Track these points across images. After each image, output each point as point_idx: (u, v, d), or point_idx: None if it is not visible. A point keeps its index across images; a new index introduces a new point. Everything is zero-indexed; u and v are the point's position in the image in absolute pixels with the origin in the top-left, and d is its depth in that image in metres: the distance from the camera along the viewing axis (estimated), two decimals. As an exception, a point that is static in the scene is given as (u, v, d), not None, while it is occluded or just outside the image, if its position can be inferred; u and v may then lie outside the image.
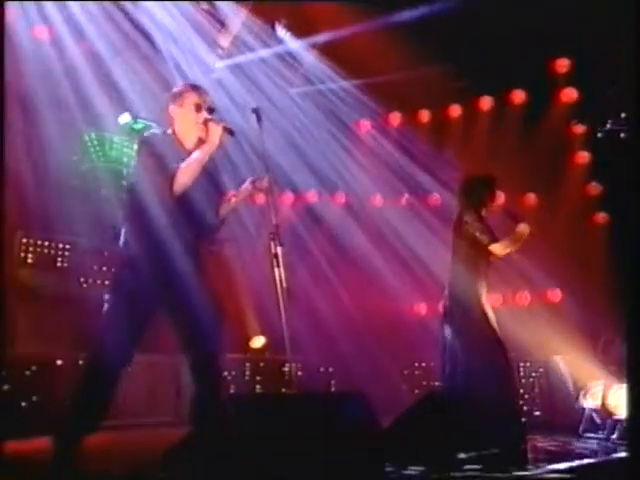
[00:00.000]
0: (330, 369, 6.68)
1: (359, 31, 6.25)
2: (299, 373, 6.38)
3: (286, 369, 6.26)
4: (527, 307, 7.14)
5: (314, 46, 6.76)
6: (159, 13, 5.90)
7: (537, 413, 5.77)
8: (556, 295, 7.15)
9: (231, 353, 6.00)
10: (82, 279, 6.10)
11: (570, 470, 3.67)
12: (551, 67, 6.82)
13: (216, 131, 3.17)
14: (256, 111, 3.44)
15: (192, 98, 3.28)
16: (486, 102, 7.16)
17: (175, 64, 6.30)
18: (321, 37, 6.52)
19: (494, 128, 7.11)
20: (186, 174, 3.12)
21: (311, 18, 6.39)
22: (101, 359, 3.10)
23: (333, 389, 6.59)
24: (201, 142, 3.22)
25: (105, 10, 5.69)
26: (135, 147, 3.35)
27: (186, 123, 3.26)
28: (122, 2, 5.72)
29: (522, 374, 6.01)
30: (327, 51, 6.77)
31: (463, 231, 4.44)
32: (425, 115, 7.39)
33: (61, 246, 6.08)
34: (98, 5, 5.70)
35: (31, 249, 5.94)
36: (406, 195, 7.38)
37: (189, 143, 3.26)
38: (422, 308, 7.28)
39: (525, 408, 5.78)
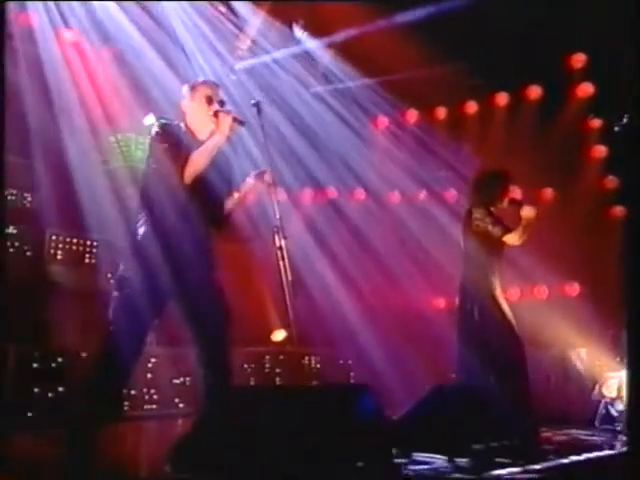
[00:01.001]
0: (349, 361, 6.56)
1: (375, 30, 6.15)
2: (318, 365, 6.31)
3: (305, 361, 6.19)
4: (545, 301, 6.97)
5: (331, 45, 6.66)
6: (180, 16, 5.86)
7: (553, 405, 5.58)
8: (574, 289, 6.97)
9: (252, 346, 5.96)
10: (109, 275, 6.11)
11: (573, 464, 3.53)
12: (567, 62, 6.64)
13: (226, 121, 3.14)
14: (257, 104, 3.38)
15: (203, 91, 3.28)
16: (502, 98, 7.00)
17: (197, 66, 6.27)
18: (337, 36, 6.41)
19: (510, 124, 6.94)
20: (196, 163, 3.09)
21: (327, 18, 6.31)
22: (112, 351, 3.05)
23: (352, 381, 6.48)
24: (213, 134, 3.20)
25: (128, 13, 5.67)
26: (150, 136, 3.31)
27: (198, 116, 3.26)
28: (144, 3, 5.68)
29: (538, 367, 5.83)
30: (344, 50, 6.67)
31: (473, 227, 4.33)
32: (442, 112, 7.25)
33: (89, 243, 6.08)
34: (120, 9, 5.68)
35: (60, 246, 5.94)
36: (424, 191, 7.24)
37: (202, 135, 3.24)
38: (441, 302, 7.16)
39: (541, 400, 5.61)
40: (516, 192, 7.01)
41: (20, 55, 5.40)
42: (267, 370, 5.88)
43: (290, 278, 3.19)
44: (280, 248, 3.20)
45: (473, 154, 6.74)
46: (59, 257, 5.85)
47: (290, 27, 6.45)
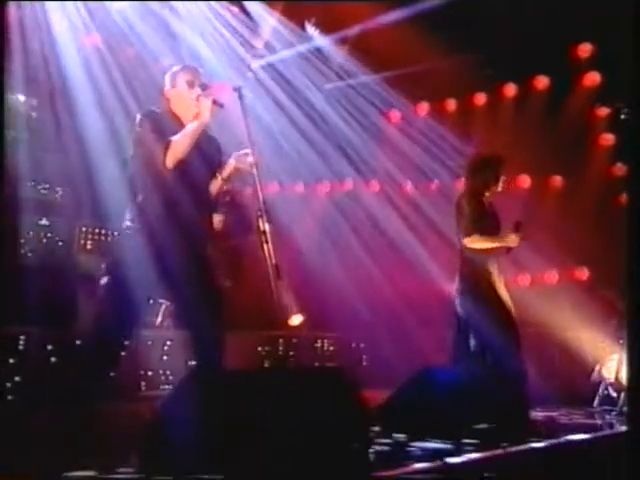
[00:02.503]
0: (362, 345, 6.46)
1: (385, 25, 6.01)
2: (331, 348, 6.23)
3: (318, 345, 6.11)
4: (555, 286, 6.77)
5: (343, 42, 6.55)
6: (194, 17, 5.82)
7: (556, 387, 5.40)
8: (583, 274, 6.75)
9: (269, 330, 5.91)
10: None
11: (569, 443, 3.41)
12: (573, 53, 6.39)
13: (206, 105, 3.04)
14: (238, 90, 3.25)
15: (184, 76, 3.18)
16: (510, 89, 6.79)
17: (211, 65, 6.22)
18: (348, 32, 6.29)
19: (519, 114, 6.74)
20: (177, 147, 2.99)
21: (338, 15, 6.19)
22: (99, 337, 3.01)
23: (365, 364, 6.39)
24: (196, 118, 3.09)
25: (144, 17, 5.65)
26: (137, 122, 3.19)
27: (181, 101, 3.16)
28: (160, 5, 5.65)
29: (541, 349, 5.65)
30: (356, 46, 6.56)
31: (464, 216, 4.18)
32: (451, 104, 7.06)
33: (117, 233, 6.11)
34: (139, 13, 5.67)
35: (90, 236, 5.98)
36: (436, 181, 7.09)
37: (187, 120, 3.13)
38: (452, 289, 6.98)
39: (543, 382, 5.45)
40: (525, 181, 6.91)
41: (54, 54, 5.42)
42: (280, 353, 5.81)
43: (274, 262, 3.08)
44: (264, 232, 3.08)
45: (482, 144, 6.54)
46: (88, 247, 5.91)
47: (303, 26, 6.36)
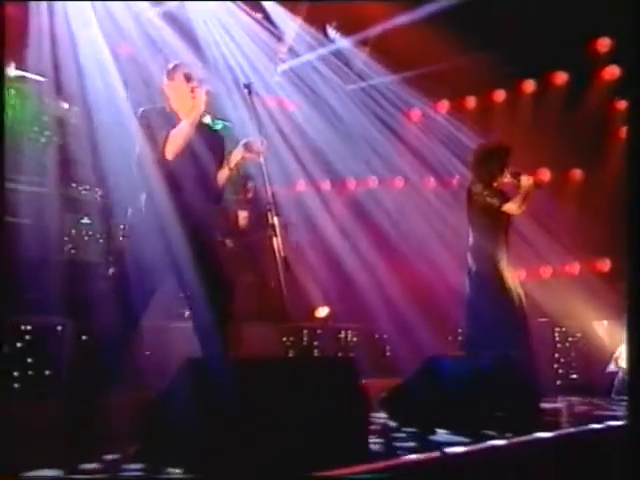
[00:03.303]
0: (385, 336, 6.45)
1: (403, 25, 5.97)
2: (355, 339, 6.23)
3: (342, 335, 6.12)
4: (577, 277, 6.64)
5: (364, 44, 6.55)
6: (221, 22, 5.88)
7: (574, 376, 5.31)
8: (605, 265, 6.60)
9: (295, 321, 5.95)
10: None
11: (580, 433, 3.31)
12: (592, 47, 6.25)
13: (200, 95, 3.04)
14: (248, 86, 3.27)
15: (181, 71, 3.17)
16: (529, 85, 6.66)
17: (239, 69, 6.28)
18: (367, 33, 6.26)
19: (538, 109, 6.62)
20: (176, 139, 2.99)
21: (357, 16, 6.18)
22: (106, 326, 3.01)
23: (388, 354, 6.37)
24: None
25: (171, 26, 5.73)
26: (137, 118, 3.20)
27: (179, 95, 3.14)
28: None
29: (558, 338, 5.56)
30: (376, 47, 6.54)
31: (473, 202, 4.13)
32: (471, 101, 6.98)
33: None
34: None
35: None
36: (457, 177, 7.02)
37: (184, 113, 3.10)
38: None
39: (561, 371, 5.36)
40: (545, 174, 6.78)
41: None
42: (305, 343, 5.85)
43: (283, 254, 3.10)
44: (272, 225, 3.08)
45: (502, 140, 6.45)
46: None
47: (324, 29, 6.37)
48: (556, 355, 5.47)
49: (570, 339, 5.60)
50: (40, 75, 5.34)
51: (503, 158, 4.20)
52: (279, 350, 5.57)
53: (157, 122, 3.04)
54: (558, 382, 5.37)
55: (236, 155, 3.23)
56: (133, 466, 2.41)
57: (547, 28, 5.93)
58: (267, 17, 6.05)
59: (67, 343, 4.24)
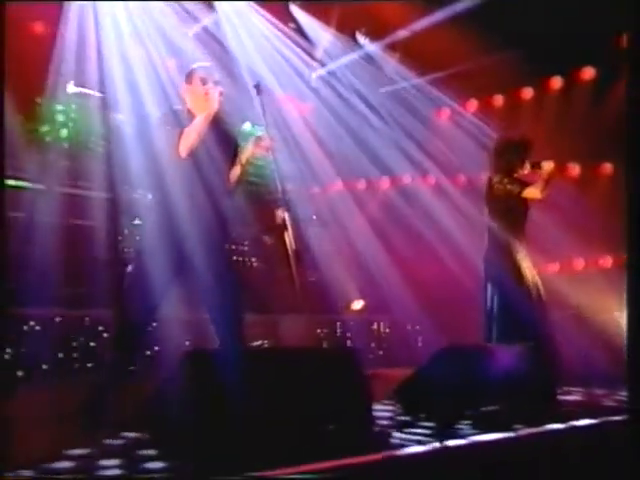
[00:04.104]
0: (417, 327, 6.48)
1: (430, 27, 5.97)
2: (387, 330, 6.30)
3: (374, 327, 6.20)
4: (609, 269, 6.48)
5: (393, 48, 6.60)
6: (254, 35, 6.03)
7: (596, 367, 5.20)
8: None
9: (331, 314, 6.06)
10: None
11: (593, 426, 3.16)
12: (619, 41, 6.07)
13: (214, 96, 3.10)
14: (257, 86, 3.33)
15: (198, 73, 3.20)
16: (556, 81, 6.54)
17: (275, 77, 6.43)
18: (395, 37, 6.29)
19: (566, 105, 6.48)
20: (189, 136, 3.01)
21: (384, 21, 6.22)
22: (126, 317, 3.05)
23: (420, 345, 6.40)
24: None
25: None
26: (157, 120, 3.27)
27: (196, 97, 3.17)
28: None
29: (588, 330, 5.44)
30: (405, 51, 6.58)
31: (494, 192, 4.06)
32: (499, 100, 6.90)
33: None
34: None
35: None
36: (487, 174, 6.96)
37: (199, 114, 3.11)
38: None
39: (584, 362, 5.25)
40: (574, 169, 6.64)
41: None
42: (338, 334, 5.96)
43: (294, 247, 3.18)
44: (283, 220, 3.13)
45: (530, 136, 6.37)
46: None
47: (354, 35, 6.46)
48: (584, 346, 5.35)
49: (600, 331, 5.48)
50: (95, 90, 5.65)
51: (523, 150, 4.11)
52: (314, 341, 5.70)
53: (174, 122, 3.09)
54: (586, 373, 5.26)
55: (247, 151, 3.27)
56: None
57: (574, 23, 5.82)
58: (299, 27, 6.18)
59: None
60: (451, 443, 2.61)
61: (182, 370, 2.39)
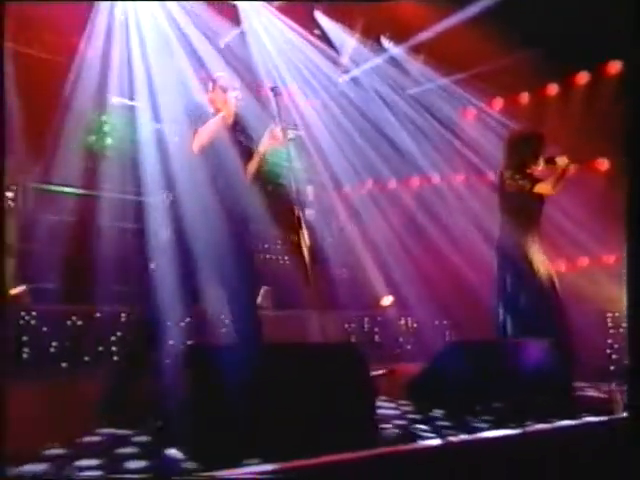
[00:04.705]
0: (445, 322, 6.44)
1: (453, 28, 5.92)
2: (415, 325, 6.28)
3: (402, 322, 6.20)
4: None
5: (418, 51, 6.58)
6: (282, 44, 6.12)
7: (626, 362, 5.06)
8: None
9: (363, 310, 6.10)
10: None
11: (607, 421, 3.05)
12: (645, 35, 5.88)
13: (231, 100, 3.34)
14: (273, 89, 3.46)
15: (219, 82, 3.42)
16: (582, 77, 6.38)
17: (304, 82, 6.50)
18: (418, 39, 6.26)
19: (593, 100, 6.32)
20: (202, 134, 3.19)
21: (408, 24, 6.20)
22: (149, 314, 3.07)
23: (447, 339, 6.36)
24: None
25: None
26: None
27: (218, 104, 3.38)
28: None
29: (611, 324, 5.32)
30: (430, 52, 6.55)
31: (506, 187, 3.99)
32: (525, 97, 6.78)
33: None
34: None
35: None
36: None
37: None
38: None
39: (615, 357, 5.13)
40: (603, 164, 6.45)
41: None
42: (366, 330, 5.98)
43: (309, 244, 3.23)
44: (298, 218, 3.21)
45: (557, 133, 6.24)
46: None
47: (378, 40, 6.48)
48: (609, 341, 5.23)
49: (624, 324, 5.34)
50: (135, 101, 5.85)
51: (536, 145, 4.00)
52: (342, 336, 5.74)
53: (197, 123, 3.25)
54: (611, 368, 5.14)
55: (263, 143, 3.39)
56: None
57: (598, 18, 5.67)
58: (324, 33, 6.23)
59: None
60: (459, 438, 2.57)
61: (181, 365, 2.39)
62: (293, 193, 3.31)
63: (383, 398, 3.35)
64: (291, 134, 7.44)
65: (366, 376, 2.67)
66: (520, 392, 3.33)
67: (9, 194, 5.56)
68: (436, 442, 2.53)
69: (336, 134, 6.86)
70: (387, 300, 6.82)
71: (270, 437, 2.27)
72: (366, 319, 6.00)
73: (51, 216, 5.52)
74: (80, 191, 5.72)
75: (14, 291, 5.31)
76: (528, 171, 3.99)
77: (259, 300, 5.83)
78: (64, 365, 4.39)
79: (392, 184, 7.66)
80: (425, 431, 2.75)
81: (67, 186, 5.75)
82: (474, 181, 7.11)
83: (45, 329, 4.46)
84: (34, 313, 4.47)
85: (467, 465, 2.43)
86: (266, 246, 6.25)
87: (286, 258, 6.45)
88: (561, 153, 4.09)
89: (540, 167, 4.02)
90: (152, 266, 3.32)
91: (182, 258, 3.06)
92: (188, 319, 3.87)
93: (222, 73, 3.65)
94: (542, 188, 3.88)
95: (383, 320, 6.09)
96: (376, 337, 6.02)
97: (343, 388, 2.54)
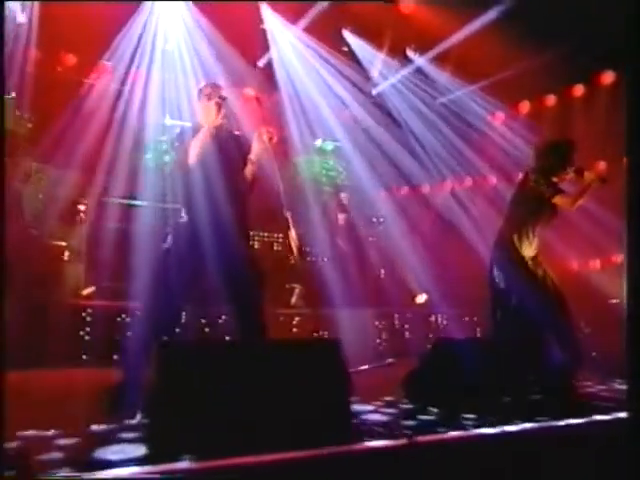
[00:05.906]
0: (475, 318, 6.33)
1: (476, 35, 5.85)
2: (445, 322, 6.23)
3: (432, 319, 6.16)
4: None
5: (444, 60, 6.57)
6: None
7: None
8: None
9: (395, 307, 6.12)
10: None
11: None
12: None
13: (217, 109, 3.17)
14: (257, 99, 3.64)
15: (205, 91, 3.28)
16: (608, 77, 6.10)
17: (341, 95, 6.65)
18: (443, 47, 6.23)
19: (618, 100, 6.03)
20: (194, 145, 3.11)
21: (432, 34, 6.19)
22: (153, 310, 3.03)
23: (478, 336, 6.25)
24: None
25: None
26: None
27: (204, 111, 3.24)
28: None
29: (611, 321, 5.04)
30: (456, 62, 6.52)
31: (526, 188, 3.76)
32: (551, 99, 6.56)
33: (276, 236, 6.88)
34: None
35: (257, 239, 6.82)
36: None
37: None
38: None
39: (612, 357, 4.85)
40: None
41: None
42: (397, 327, 5.98)
43: (298, 244, 3.33)
44: (286, 219, 3.21)
45: (584, 134, 6.02)
46: (256, 246, 6.71)
47: (404, 53, 6.53)
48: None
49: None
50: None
51: (565, 153, 3.76)
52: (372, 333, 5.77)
53: (188, 136, 3.21)
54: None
55: (254, 148, 3.26)
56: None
57: (621, 17, 5.44)
58: (350, 49, 6.36)
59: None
60: (451, 435, 2.51)
61: (154, 361, 2.33)
62: (280, 195, 3.23)
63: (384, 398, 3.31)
64: (330, 144, 7.73)
65: (342, 372, 2.55)
66: (516, 390, 3.25)
67: (81, 207, 6.13)
68: (433, 437, 2.48)
69: (370, 143, 6.98)
70: (421, 298, 6.82)
71: (240, 432, 2.22)
72: (396, 316, 6.02)
73: (115, 224, 5.95)
74: (137, 202, 6.13)
75: (85, 291, 5.87)
76: (554, 179, 3.74)
77: (293, 300, 6.05)
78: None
79: (426, 188, 7.66)
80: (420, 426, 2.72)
81: (128, 199, 6.20)
82: (505, 184, 6.96)
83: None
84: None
85: (462, 463, 2.37)
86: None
87: (325, 259, 6.60)
88: (590, 154, 3.87)
89: (569, 176, 3.83)
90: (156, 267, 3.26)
91: (187, 262, 3.05)
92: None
93: (209, 83, 3.53)
94: (561, 201, 3.65)
95: (413, 316, 6.08)
96: (406, 334, 6.02)
97: (319, 384, 2.45)
